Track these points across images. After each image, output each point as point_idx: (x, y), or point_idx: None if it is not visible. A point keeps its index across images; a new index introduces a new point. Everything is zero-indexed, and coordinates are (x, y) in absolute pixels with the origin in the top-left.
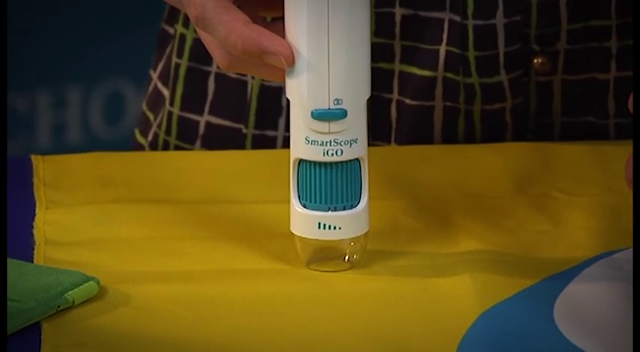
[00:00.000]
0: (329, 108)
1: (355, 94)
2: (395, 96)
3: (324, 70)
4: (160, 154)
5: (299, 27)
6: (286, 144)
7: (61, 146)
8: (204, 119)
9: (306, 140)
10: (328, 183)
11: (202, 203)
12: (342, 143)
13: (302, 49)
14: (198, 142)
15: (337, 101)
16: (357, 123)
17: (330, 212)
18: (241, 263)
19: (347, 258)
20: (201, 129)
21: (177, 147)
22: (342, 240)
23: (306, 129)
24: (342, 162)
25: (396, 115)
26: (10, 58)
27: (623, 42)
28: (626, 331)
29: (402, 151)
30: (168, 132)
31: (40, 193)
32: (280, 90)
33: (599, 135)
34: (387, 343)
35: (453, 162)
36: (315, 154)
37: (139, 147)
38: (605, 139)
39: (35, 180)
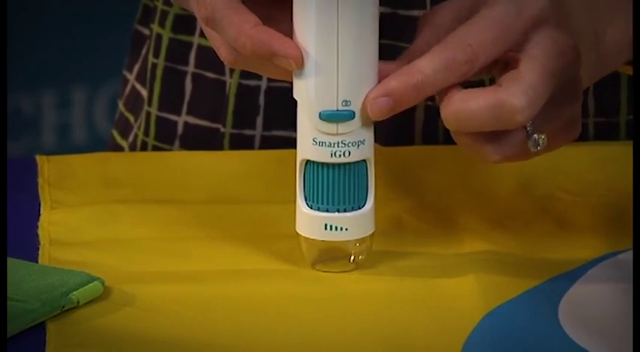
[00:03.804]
0: (337, 110)
1: (364, 96)
2: None
3: (332, 71)
4: (164, 155)
5: (308, 28)
6: (264, 143)
7: (65, 146)
8: (182, 119)
9: (313, 141)
10: (335, 185)
11: (207, 203)
12: (350, 144)
13: (310, 50)
14: (176, 143)
15: (345, 102)
16: (364, 125)
17: (337, 213)
18: (246, 263)
19: (352, 258)
20: (180, 129)
21: (155, 148)
22: (348, 240)
23: (313, 130)
24: (349, 164)
25: None
26: (15, 58)
27: None
28: (631, 331)
29: (406, 152)
30: (146, 132)
31: (45, 193)
32: (258, 89)
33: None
34: (391, 343)
35: (457, 163)
36: (322, 155)
37: (119, 150)
38: (585, 138)
39: (40, 180)
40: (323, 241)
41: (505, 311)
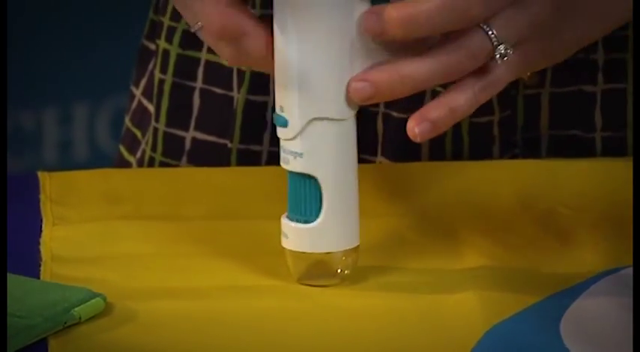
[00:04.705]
0: (275, 112)
1: (298, 109)
2: (381, 109)
3: (280, 74)
4: (166, 171)
5: (276, 27)
6: (271, 158)
7: (67, 163)
8: (189, 135)
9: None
10: (288, 192)
11: (209, 219)
12: (289, 152)
13: (275, 48)
14: (184, 159)
15: (280, 108)
16: (302, 139)
17: (286, 220)
18: (248, 279)
19: (338, 271)
20: (187, 145)
21: (162, 164)
22: (333, 254)
23: None
24: (294, 173)
25: (382, 128)
26: (17, 75)
27: (610, 55)
28: (631, 349)
29: (407, 167)
30: (154, 148)
31: (47, 209)
32: (265, 105)
33: (585, 148)
34: None
35: (459, 179)
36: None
37: (127, 165)
38: (592, 153)
39: (42, 196)
40: (307, 255)
41: (507, 328)
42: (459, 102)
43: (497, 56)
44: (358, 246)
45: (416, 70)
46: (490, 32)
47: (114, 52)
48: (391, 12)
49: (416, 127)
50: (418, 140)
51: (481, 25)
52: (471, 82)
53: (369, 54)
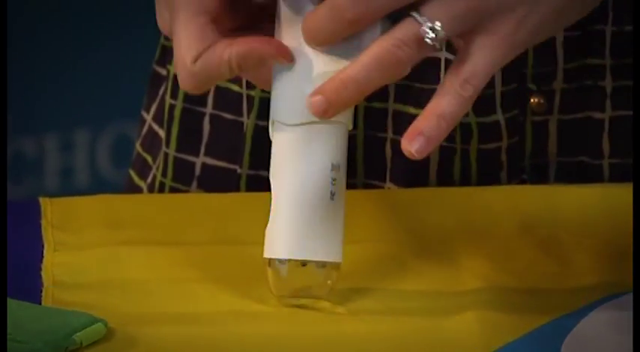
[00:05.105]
0: None
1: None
2: (389, 135)
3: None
4: (168, 196)
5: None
6: None
7: (68, 189)
8: (200, 160)
9: None
10: None
11: (210, 245)
12: None
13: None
14: (194, 184)
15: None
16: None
17: None
18: (249, 304)
19: (318, 287)
20: (197, 170)
21: (173, 189)
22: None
23: None
24: None
25: (390, 154)
26: (18, 101)
27: (618, 82)
28: None
29: (408, 193)
30: (164, 173)
31: (49, 235)
32: None
33: (593, 175)
34: None
35: (459, 204)
36: None
37: (137, 190)
38: (600, 179)
39: (43, 222)
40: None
41: None
42: (443, 105)
43: (428, 37)
44: (338, 264)
45: (352, 70)
46: (415, 15)
47: (115, 79)
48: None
49: (409, 146)
50: (417, 157)
51: (410, 12)
52: (449, 82)
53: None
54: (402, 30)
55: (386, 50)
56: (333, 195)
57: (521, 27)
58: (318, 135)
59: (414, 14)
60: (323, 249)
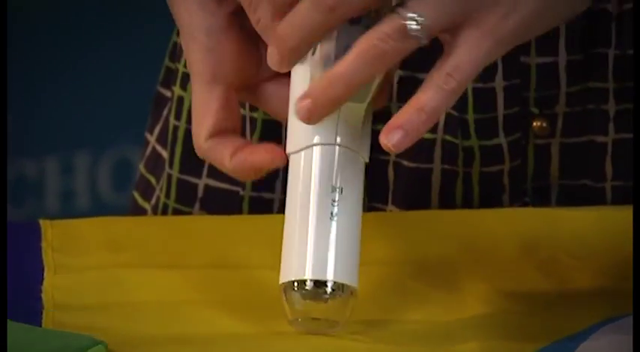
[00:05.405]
0: None
1: None
2: (392, 157)
3: None
4: (168, 219)
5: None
6: (283, 206)
7: (69, 212)
8: (202, 182)
9: None
10: None
11: (211, 268)
12: None
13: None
14: (196, 205)
15: None
16: None
17: None
18: (251, 327)
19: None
20: (200, 192)
21: (176, 211)
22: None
23: None
24: None
25: (393, 177)
26: (19, 123)
27: (621, 105)
28: None
29: (410, 216)
30: (167, 195)
31: (49, 257)
32: None
33: (595, 198)
34: None
35: (461, 226)
36: None
37: (141, 212)
38: (602, 202)
39: (44, 244)
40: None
41: None
42: (424, 99)
43: (410, 28)
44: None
45: (338, 68)
46: (399, 9)
47: (116, 102)
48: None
49: (386, 139)
50: (394, 151)
51: (394, 7)
52: (432, 76)
53: None
54: (387, 23)
55: (371, 44)
56: (333, 215)
57: (507, 21)
58: (317, 158)
59: (398, 8)
60: (318, 267)
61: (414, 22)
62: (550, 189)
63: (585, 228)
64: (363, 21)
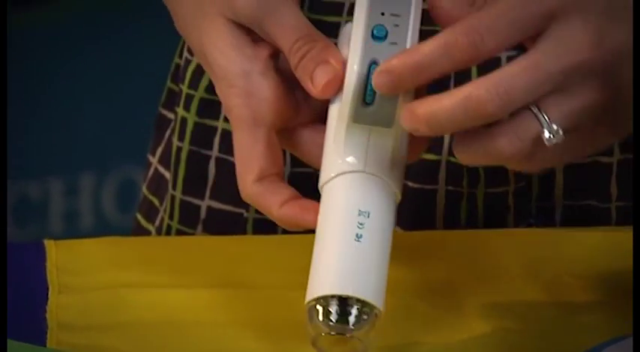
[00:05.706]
0: None
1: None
2: None
3: None
4: (172, 239)
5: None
6: (286, 229)
7: (73, 233)
8: (205, 203)
9: None
10: None
11: (217, 288)
12: None
13: None
14: (199, 227)
15: None
16: None
17: None
18: (256, 348)
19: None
20: (203, 213)
21: (179, 232)
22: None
23: None
24: None
25: None
26: (23, 145)
27: None
28: None
29: (414, 236)
30: (171, 216)
31: (53, 277)
32: None
33: (600, 218)
34: None
35: (466, 247)
36: None
37: (145, 233)
38: (607, 223)
39: (48, 264)
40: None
41: None
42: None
43: (547, 137)
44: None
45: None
46: (537, 112)
47: (120, 123)
48: (417, 108)
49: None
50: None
51: (530, 107)
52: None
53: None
54: (524, 126)
55: (506, 145)
56: (359, 236)
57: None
58: (345, 184)
59: (536, 112)
60: (341, 283)
61: (552, 136)
62: (554, 210)
63: (590, 249)
64: (389, 37)
